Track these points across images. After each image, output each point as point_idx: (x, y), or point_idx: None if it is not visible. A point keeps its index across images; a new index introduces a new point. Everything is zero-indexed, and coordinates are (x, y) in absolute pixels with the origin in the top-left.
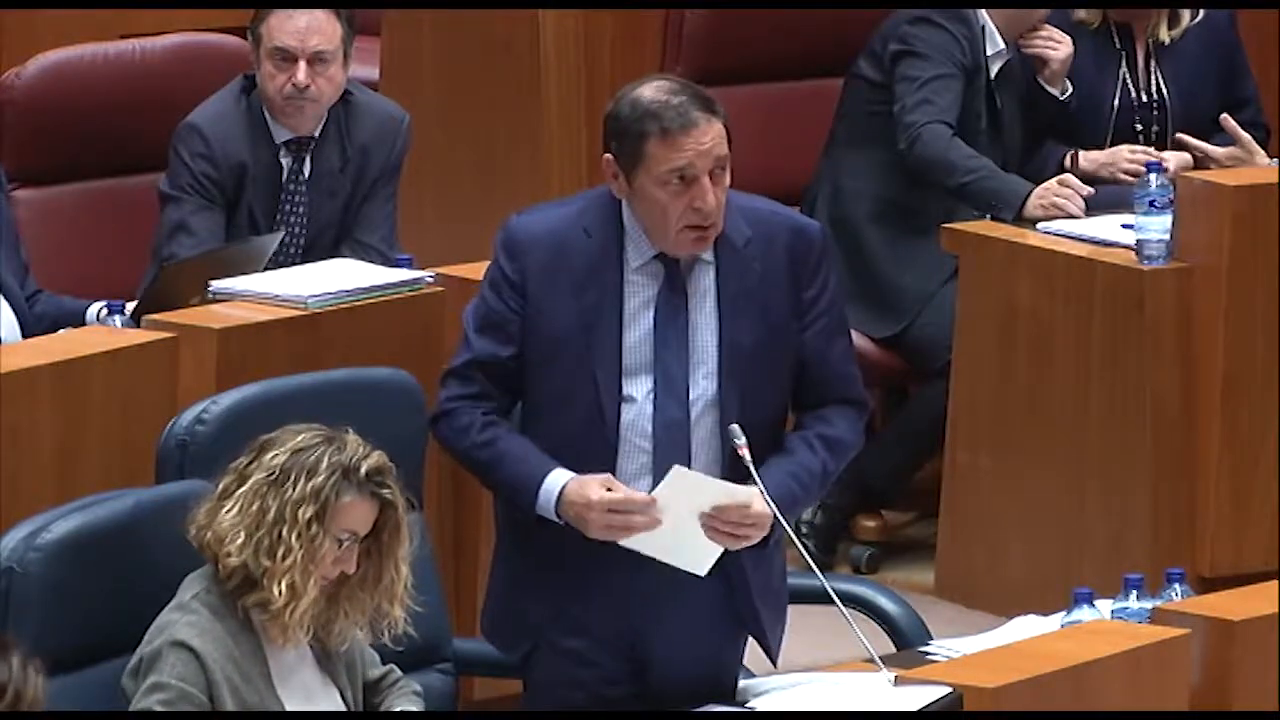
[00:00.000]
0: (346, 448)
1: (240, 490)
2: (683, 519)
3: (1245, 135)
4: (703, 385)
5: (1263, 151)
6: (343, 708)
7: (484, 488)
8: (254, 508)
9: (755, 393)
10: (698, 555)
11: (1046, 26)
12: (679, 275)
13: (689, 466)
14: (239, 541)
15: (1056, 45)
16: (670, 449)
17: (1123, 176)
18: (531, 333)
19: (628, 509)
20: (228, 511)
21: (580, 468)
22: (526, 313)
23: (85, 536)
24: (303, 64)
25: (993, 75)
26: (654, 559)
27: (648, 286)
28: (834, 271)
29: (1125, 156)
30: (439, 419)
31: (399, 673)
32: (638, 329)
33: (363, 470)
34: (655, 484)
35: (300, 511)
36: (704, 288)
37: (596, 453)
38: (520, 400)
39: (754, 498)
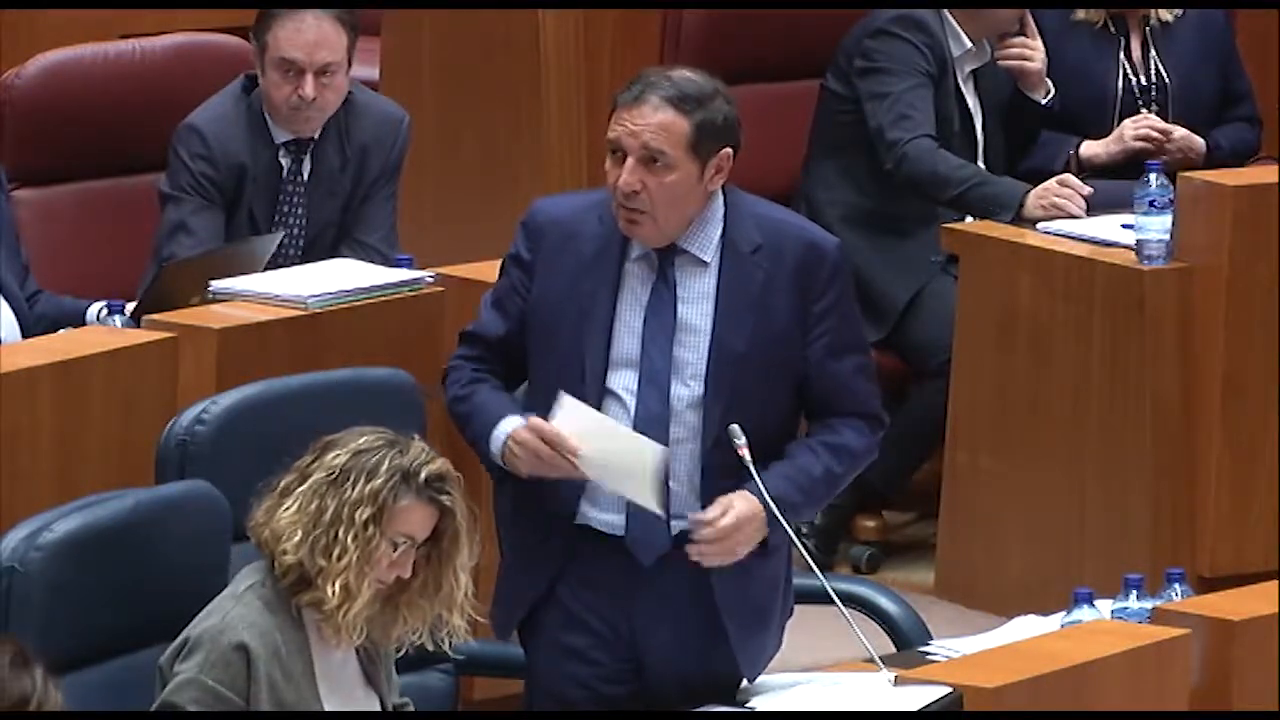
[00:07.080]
0: (409, 451)
1: (300, 489)
2: (606, 451)
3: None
4: (690, 385)
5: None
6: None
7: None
8: (312, 507)
9: (743, 399)
10: (638, 486)
11: (1020, 37)
12: (672, 271)
13: (667, 464)
14: (295, 539)
15: (1031, 53)
16: None
17: (1135, 144)
18: (532, 313)
19: (540, 439)
20: (286, 509)
21: None
22: (531, 292)
23: (86, 536)
24: (310, 77)
25: (963, 74)
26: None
27: (644, 280)
28: (849, 289)
29: (1129, 131)
30: (445, 374)
31: (412, 706)
32: (629, 322)
33: (423, 475)
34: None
35: (358, 513)
36: (703, 290)
37: None
38: (521, 381)
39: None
